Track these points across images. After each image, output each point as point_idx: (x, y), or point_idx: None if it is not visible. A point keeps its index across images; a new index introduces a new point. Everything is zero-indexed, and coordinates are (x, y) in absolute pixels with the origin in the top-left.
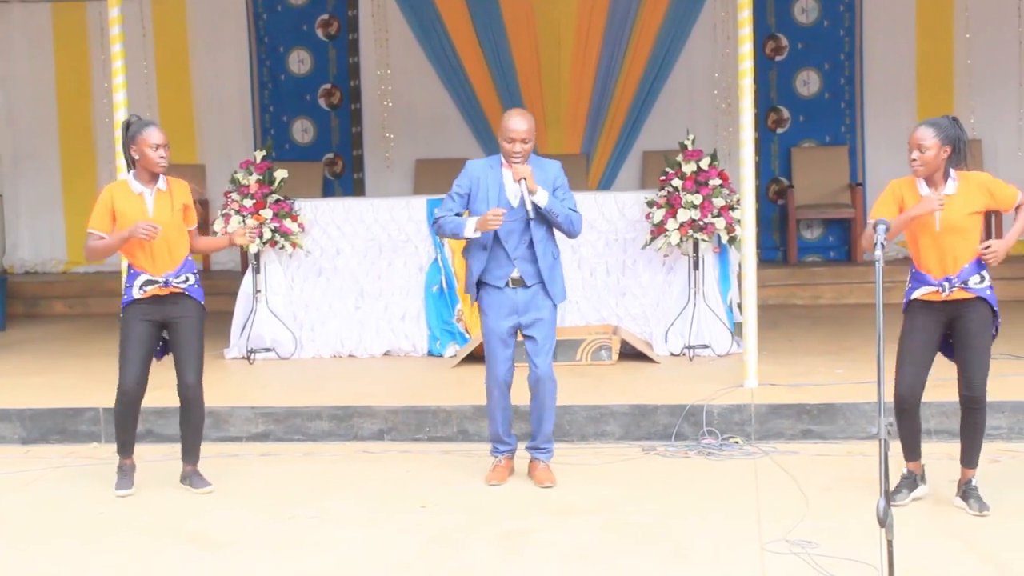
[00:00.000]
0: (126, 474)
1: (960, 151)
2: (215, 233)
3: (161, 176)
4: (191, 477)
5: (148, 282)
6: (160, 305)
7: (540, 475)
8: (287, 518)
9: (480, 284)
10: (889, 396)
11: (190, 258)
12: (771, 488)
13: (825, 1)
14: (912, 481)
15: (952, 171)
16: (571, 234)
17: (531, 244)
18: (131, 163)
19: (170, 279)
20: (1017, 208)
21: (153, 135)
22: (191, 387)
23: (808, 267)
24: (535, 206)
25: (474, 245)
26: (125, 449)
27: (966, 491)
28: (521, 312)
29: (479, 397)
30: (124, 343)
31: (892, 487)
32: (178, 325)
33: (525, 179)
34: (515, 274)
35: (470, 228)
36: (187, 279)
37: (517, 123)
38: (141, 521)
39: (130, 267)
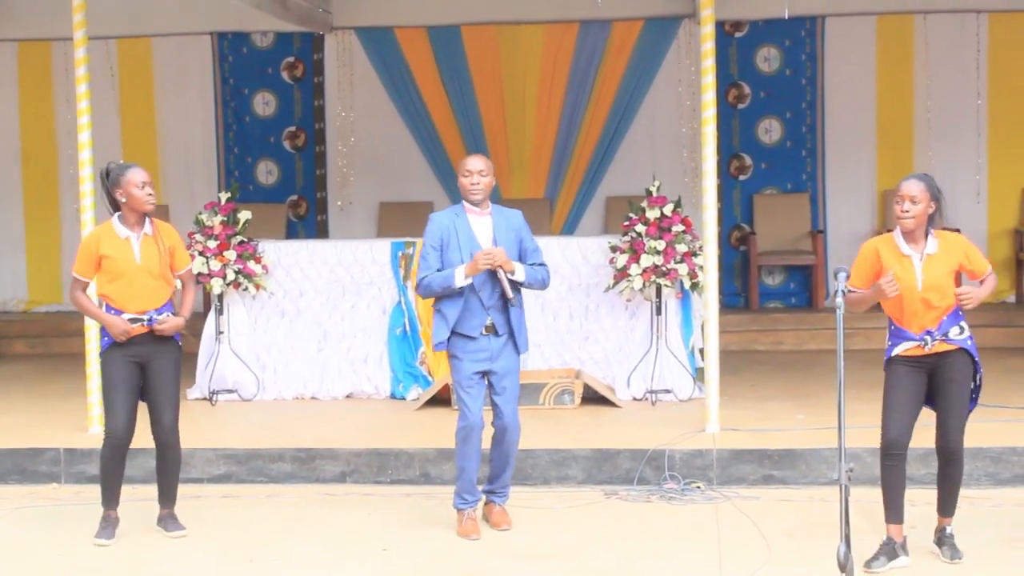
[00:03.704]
0: (109, 524)
1: (939, 209)
2: (196, 279)
3: (147, 219)
4: (166, 520)
5: (132, 320)
6: (141, 345)
7: (497, 518)
8: (247, 561)
9: (453, 333)
10: (850, 442)
11: (171, 301)
12: (733, 533)
13: (787, 50)
14: (892, 550)
15: (931, 230)
16: (543, 289)
17: (501, 294)
18: (115, 207)
19: (154, 317)
20: (983, 280)
21: (138, 175)
22: (167, 429)
23: (770, 313)
24: (512, 283)
25: (450, 295)
26: (111, 501)
27: (941, 539)
28: (493, 359)
29: (441, 440)
30: (109, 386)
31: (870, 554)
32: (155, 366)
33: (502, 266)
34: (489, 322)
35: (460, 276)
36: (168, 318)
37: (473, 160)
38: (101, 564)
39: (108, 307)
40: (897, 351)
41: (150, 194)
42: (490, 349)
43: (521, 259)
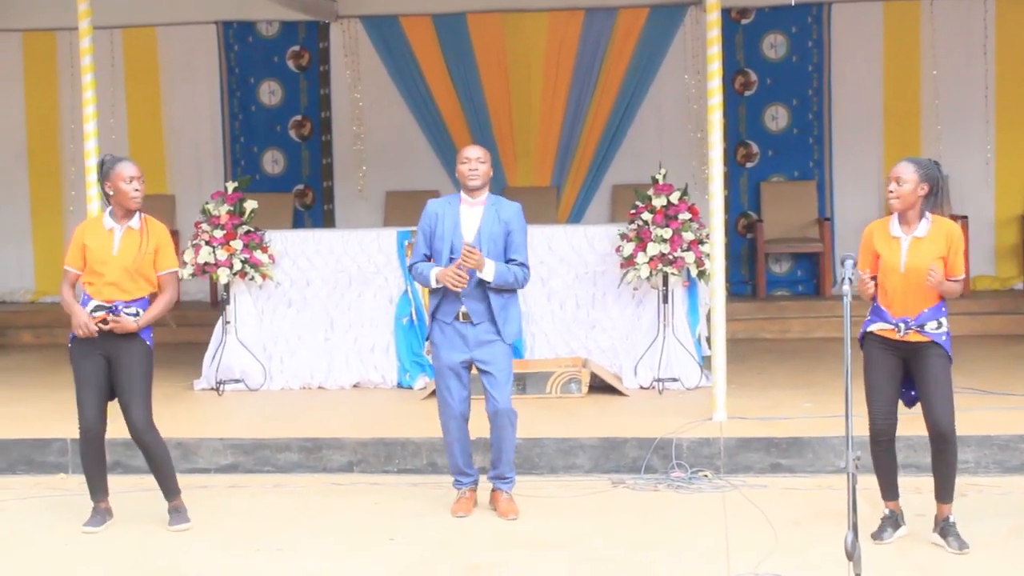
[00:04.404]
0: (98, 514)
1: (937, 193)
2: (185, 264)
3: (138, 215)
4: (171, 513)
5: (97, 307)
6: (104, 340)
7: (503, 507)
8: (254, 551)
9: (432, 319)
10: (858, 430)
11: (147, 299)
12: (740, 521)
13: (794, 37)
14: (895, 521)
15: (928, 213)
16: (518, 289)
17: (480, 283)
18: (107, 200)
19: (119, 306)
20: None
21: (127, 169)
22: (137, 426)
23: (777, 301)
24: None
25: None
26: (96, 493)
27: (944, 528)
28: (472, 347)
29: None
30: (77, 381)
31: (875, 528)
32: (119, 363)
33: (469, 262)
34: (463, 309)
35: (433, 280)
36: (136, 312)
37: (471, 147)
38: (107, 554)
39: (84, 293)
40: (872, 328)
41: (137, 190)
42: (465, 336)
43: (505, 251)
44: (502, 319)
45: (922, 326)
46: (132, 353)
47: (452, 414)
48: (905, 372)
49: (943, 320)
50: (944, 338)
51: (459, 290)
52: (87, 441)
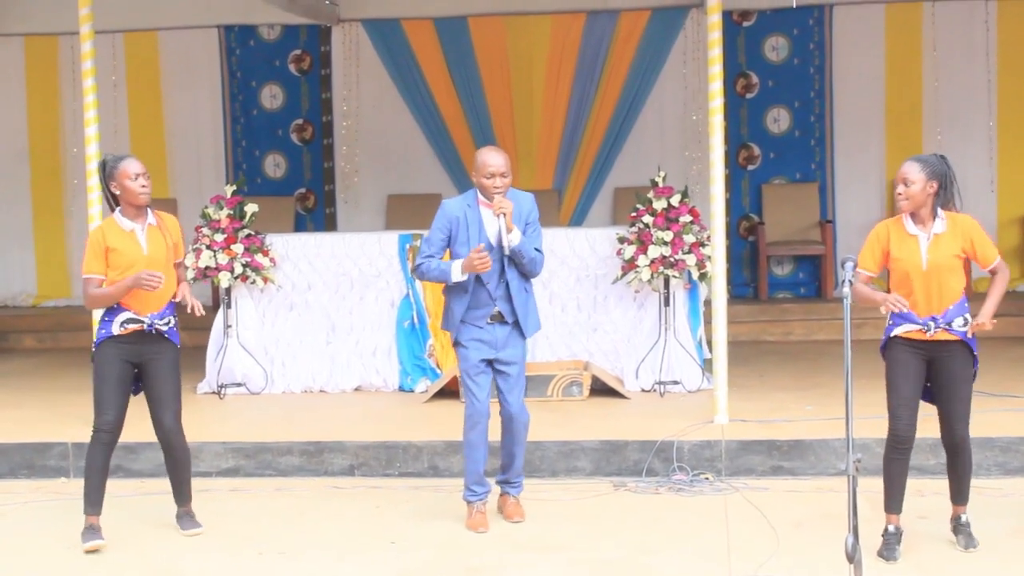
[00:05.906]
0: (95, 529)
1: (947, 189)
2: (186, 268)
3: (149, 211)
4: (183, 519)
5: (130, 320)
6: (137, 344)
7: (510, 510)
8: (256, 554)
9: (460, 322)
10: (858, 433)
11: (172, 304)
12: (741, 524)
13: (795, 39)
14: (899, 537)
15: (940, 210)
16: (531, 275)
17: (508, 283)
18: (115, 201)
19: (154, 321)
20: (993, 271)
21: (132, 165)
22: (168, 429)
23: (778, 303)
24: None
25: (456, 287)
26: (94, 505)
27: (957, 527)
28: (499, 348)
29: (450, 432)
30: (100, 383)
31: (880, 546)
32: (153, 366)
33: (505, 214)
34: (495, 311)
35: (456, 273)
36: (169, 321)
37: (495, 158)
38: (109, 558)
39: (118, 305)
40: (898, 332)
41: (144, 186)
42: (495, 337)
43: None
44: (523, 314)
45: (950, 323)
46: (164, 356)
47: (481, 414)
48: (928, 372)
49: (968, 317)
50: (972, 335)
51: (485, 268)
52: (102, 444)
